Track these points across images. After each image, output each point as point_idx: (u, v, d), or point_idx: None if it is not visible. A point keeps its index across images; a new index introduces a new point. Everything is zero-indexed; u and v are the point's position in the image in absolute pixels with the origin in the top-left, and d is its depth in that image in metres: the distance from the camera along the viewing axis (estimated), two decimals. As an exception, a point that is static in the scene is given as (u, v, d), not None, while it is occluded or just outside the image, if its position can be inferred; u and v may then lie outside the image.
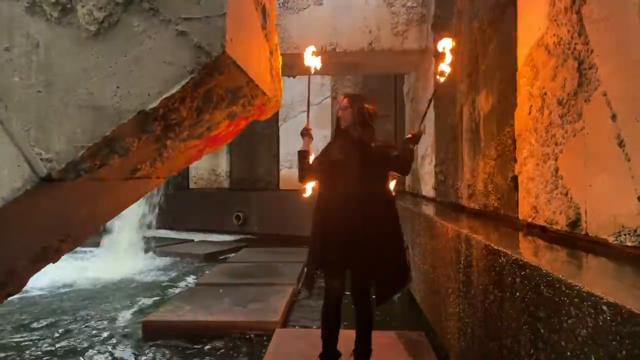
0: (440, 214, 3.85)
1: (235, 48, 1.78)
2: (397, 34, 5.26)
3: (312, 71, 3.41)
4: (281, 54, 5.40)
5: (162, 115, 1.77)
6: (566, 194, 2.11)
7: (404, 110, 7.68)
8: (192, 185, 10.34)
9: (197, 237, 8.86)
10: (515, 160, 2.71)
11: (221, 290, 4.40)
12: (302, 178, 2.94)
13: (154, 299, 4.58)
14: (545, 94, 2.29)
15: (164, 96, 1.65)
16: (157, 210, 7.90)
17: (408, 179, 7.03)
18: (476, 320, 2.22)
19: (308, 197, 3.12)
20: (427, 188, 5.51)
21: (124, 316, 4.03)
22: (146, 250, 7.07)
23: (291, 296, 4.32)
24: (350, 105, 2.79)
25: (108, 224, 6.58)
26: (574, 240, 2.06)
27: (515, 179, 2.70)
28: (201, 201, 9.91)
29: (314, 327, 3.69)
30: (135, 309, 4.26)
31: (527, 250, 2.10)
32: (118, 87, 1.65)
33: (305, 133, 3.06)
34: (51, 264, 2.34)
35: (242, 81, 2.06)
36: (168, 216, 10.31)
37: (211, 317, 3.58)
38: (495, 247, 1.92)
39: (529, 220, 2.50)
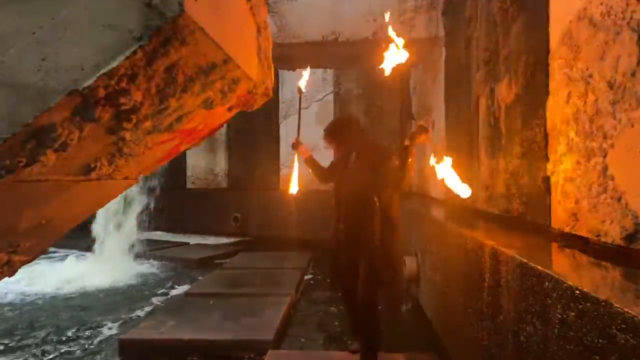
0: (454, 219, 3.44)
1: (202, 11, 1.38)
2: (404, 22, 4.85)
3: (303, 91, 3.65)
4: (279, 44, 4.94)
5: (107, 98, 1.36)
6: (619, 199, 1.70)
7: (411, 107, 7.26)
8: (189, 185, 9.95)
9: (194, 239, 8.47)
10: (546, 158, 2.30)
11: (211, 302, 4.01)
12: (322, 180, 3.37)
13: (138, 311, 4.18)
14: (591, 76, 1.88)
15: (102, 71, 1.25)
16: (150, 211, 7.51)
17: (416, 178, 6.62)
18: (507, 353, 1.81)
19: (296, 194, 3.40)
20: (438, 189, 5.10)
21: (102, 331, 3.64)
22: (138, 255, 6.70)
23: (288, 308, 3.92)
24: (328, 141, 3.14)
25: (98, 227, 6.21)
26: (627, 256, 1.65)
27: (547, 180, 2.30)
28: (198, 202, 9.53)
29: (312, 345, 3.31)
30: (116, 322, 3.86)
31: (571, 268, 1.70)
32: (43, 59, 1.26)
33: (296, 146, 3.32)
34: (7, 277, 1.98)
35: (216, 57, 1.66)
36: (164, 217, 9.95)
37: (196, 334, 3.19)
38: (538, 267, 1.51)
39: (566, 229, 2.09)
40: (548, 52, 2.30)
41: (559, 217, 2.17)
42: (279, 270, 5.30)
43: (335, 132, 3.09)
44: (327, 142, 3.16)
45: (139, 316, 4.08)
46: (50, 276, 5.38)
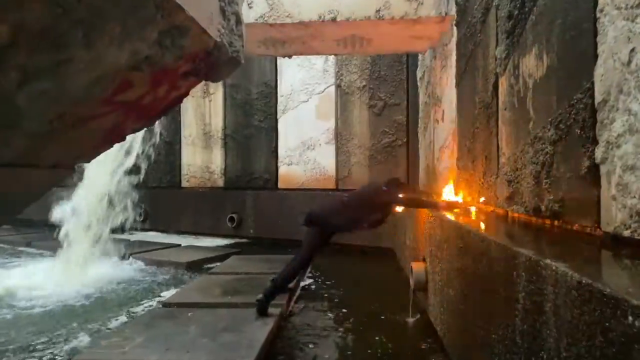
0: (472, 220, 2.93)
1: None
2: (411, -1, 4.34)
3: None
4: (270, 25, 4.36)
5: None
6: None
7: (417, 99, 6.74)
8: (184, 184, 9.48)
9: (186, 241, 7.99)
10: (594, 142, 1.78)
11: (190, 314, 3.51)
12: None
13: (104, 326, 3.67)
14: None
15: None
16: (135, 208, 7.02)
17: (424, 175, 6.10)
18: (554, 408, 1.29)
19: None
20: (446, 186, 4.58)
21: (54, 352, 3.14)
22: (123, 257, 6.22)
23: (277, 322, 3.42)
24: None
25: (66, 223, 5.71)
26: None
27: (594, 169, 1.78)
28: (193, 201, 9.06)
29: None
30: (74, 340, 3.35)
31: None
32: None
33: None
34: None
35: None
36: (159, 218, 9.50)
37: (164, 355, 2.69)
38: (616, 294, 1.00)
39: (624, 232, 1.57)
40: (594, 6, 1.79)
41: (613, 217, 1.65)
42: (273, 276, 4.78)
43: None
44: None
45: (109, 329, 3.60)
46: (15, 282, 4.94)
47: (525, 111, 2.51)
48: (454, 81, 4.23)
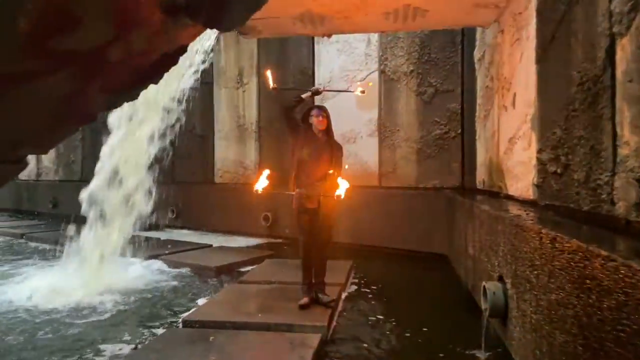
0: (575, 231, 2.16)
1: None
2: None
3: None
4: None
5: None
6: None
7: (474, 84, 5.92)
8: (217, 180, 9.00)
9: (218, 240, 7.49)
10: None
11: (212, 339, 2.92)
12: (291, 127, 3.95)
13: (108, 353, 3.11)
14: None
15: None
16: (167, 205, 6.53)
17: (484, 172, 5.29)
18: None
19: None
20: (521, 185, 3.78)
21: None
22: (149, 258, 5.75)
23: (315, 355, 2.76)
24: (327, 118, 3.88)
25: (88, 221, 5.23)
26: None
27: None
28: (226, 198, 8.55)
29: None
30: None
31: None
32: None
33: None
34: None
35: None
36: (192, 215, 9.08)
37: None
38: None
39: None
40: None
41: None
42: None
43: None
44: (326, 117, 3.84)
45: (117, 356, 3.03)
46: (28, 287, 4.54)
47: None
48: (534, 56, 3.43)
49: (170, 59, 1.30)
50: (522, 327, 2.45)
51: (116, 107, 1.63)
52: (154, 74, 1.31)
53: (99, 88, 1.21)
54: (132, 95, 1.36)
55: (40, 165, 13.00)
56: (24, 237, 8.29)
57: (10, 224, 10.22)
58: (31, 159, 13.28)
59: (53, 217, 10.57)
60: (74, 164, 11.71)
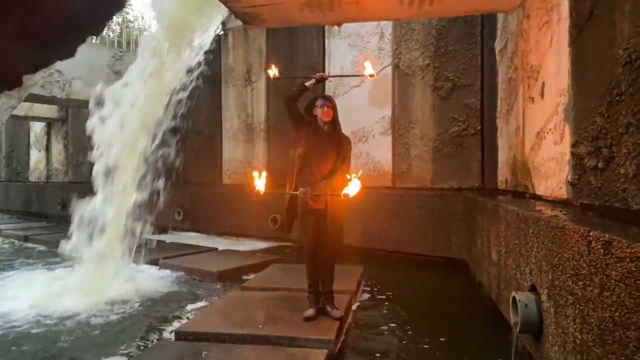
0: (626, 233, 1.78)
1: None
2: None
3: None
4: None
5: None
6: None
7: (495, 77, 5.53)
8: (225, 181, 8.72)
9: (225, 243, 7.20)
10: None
11: (204, 354, 2.60)
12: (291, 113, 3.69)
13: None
14: None
15: None
16: (173, 208, 6.26)
17: (507, 170, 4.89)
18: None
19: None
20: (551, 183, 3.39)
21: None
22: (151, 263, 5.46)
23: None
24: (333, 108, 3.54)
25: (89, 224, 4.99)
26: None
27: None
28: (234, 199, 8.26)
29: None
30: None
31: None
32: None
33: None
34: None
35: None
36: (197, 217, 8.82)
37: None
38: None
39: None
40: None
41: None
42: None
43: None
44: (332, 107, 3.51)
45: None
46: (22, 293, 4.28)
47: None
48: (567, 38, 3.05)
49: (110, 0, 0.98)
50: (563, 347, 2.07)
51: (46, 66, 1.30)
52: (91, 19, 0.99)
53: (15, 37, 0.90)
54: (67, 51, 1.04)
55: (50, 167, 12.91)
56: (28, 239, 8.12)
57: (14, 225, 10.09)
58: (41, 160, 13.21)
59: (61, 218, 10.41)
60: (82, 165, 11.56)
